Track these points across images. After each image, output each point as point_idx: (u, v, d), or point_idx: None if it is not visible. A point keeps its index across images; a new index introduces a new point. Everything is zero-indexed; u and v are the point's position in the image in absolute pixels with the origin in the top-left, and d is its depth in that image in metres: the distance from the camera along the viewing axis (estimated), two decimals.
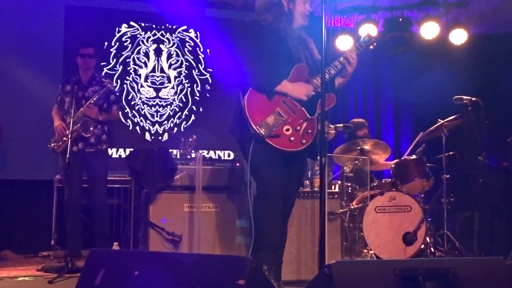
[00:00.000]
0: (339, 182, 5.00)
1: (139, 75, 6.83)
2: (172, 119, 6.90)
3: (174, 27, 6.99)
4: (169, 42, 6.97)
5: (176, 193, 4.31)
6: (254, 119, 3.27)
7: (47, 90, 5.68)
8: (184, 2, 6.69)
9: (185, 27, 7.02)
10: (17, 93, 6.21)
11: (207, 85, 7.05)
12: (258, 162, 3.35)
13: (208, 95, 7.03)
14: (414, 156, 5.08)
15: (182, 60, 6.99)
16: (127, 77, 6.78)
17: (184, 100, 6.96)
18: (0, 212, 5.92)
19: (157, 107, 6.86)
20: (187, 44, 7.03)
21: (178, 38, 7.01)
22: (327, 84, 3.22)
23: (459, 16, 6.78)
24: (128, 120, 6.75)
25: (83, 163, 4.79)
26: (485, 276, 2.36)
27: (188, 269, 2.32)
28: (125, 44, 6.81)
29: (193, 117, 6.96)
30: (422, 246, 4.64)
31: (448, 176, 5.12)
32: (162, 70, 6.91)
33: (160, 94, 6.88)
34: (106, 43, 6.71)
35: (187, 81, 6.99)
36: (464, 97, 5.02)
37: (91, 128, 4.70)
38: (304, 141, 3.36)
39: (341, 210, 4.52)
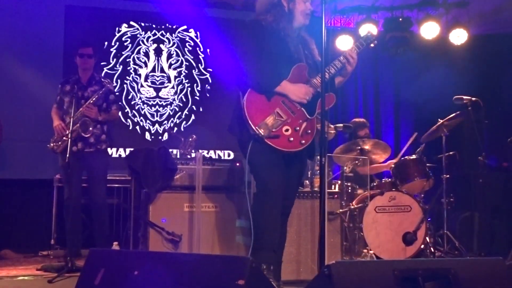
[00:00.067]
0: (339, 182, 5.00)
1: (139, 75, 6.83)
2: (172, 119, 6.90)
3: (174, 27, 6.99)
4: (169, 42, 6.97)
5: (176, 193, 4.31)
6: (253, 119, 3.27)
7: (47, 90, 5.67)
8: (184, 2, 6.69)
9: (185, 27, 7.02)
10: (17, 93, 6.21)
11: (207, 85, 7.05)
12: (257, 162, 3.36)
13: (208, 95, 7.04)
14: (414, 156, 5.08)
15: (182, 60, 6.99)
16: (127, 77, 6.78)
17: (184, 100, 6.96)
18: (0, 212, 5.92)
19: (157, 107, 6.86)
20: (187, 44, 7.03)
21: (178, 38, 7.01)
22: (327, 84, 3.22)
23: (459, 16, 6.78)
24: (128, 120, 6.75)
25: (83, 163, 4.80)
26: (485, 276, 2.35)
27: (188, 269, 2.32)
28: (125, 44, 6.81)
29: (193, 117, 6.96)
30: (422, 246, 4.63)
31: (448, 176, 5.12)
32: (162, 70, 6.91)
33: (160, 94, 6.88)
34: (106, 43, 6.71)
35: (187, 81, 6.99)
36: (464, 97, 5.02)
37: (91, 128, 4.70)
38: (303, 141, 3.36)
39: (341, 210, 4.52)
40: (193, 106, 6.98)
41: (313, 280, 2.46)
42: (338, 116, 7.03)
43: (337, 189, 4.89)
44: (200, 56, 7.06)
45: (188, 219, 4.27)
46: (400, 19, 6.77)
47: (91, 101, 4.72)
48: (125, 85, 6.76)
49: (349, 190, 5.06)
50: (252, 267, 2.18)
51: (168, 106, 6.90)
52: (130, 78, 6.79)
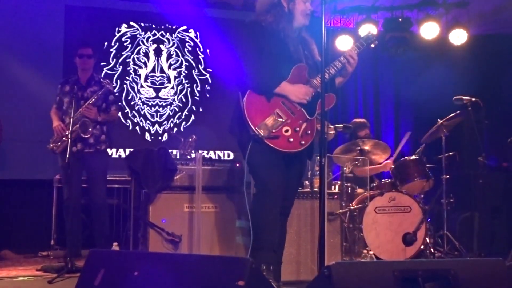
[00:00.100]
0: (339, 182, 5.00)
1: (139, 75, 6.83)
2: (172, 119, 6.90)
3: (174, 27, 6.99)
4: (169, 42, 6.97)
5: (176, 193, 4.31)
6: (253, 120, 3.27)
7: (47, 90, 5.67)
8: (184, 2, 6.69)
9: (185, 27, 7.02)
10: (17, 93, 6.21)
11: (207, 85, 7.05)
12: (256, 162, 3.35)
13: (208, 95, 7.03)
14: (414, 157, 5.07)
15: (182, 60, 6.99)
16: (127, 77, 6.78)
17: (184, 100, 6.96)
18: (0, 212, 5.92)
19: (157, 107, 6.86)
20: (187, 44, 7.03)
21: (178, 38, 7.01)
22: (327, 84, 3.22)
23: (459, 16, 6.78)
24: (128, 120, 6.75)
25: (83, 163, 4.80)
26: (484, 277, 2.36)
27: (187, 269, 2.32)
28: (125, 44, 6.81)
29: (193, 117, 6.96)
30: (422, 246, 4.63)
31: (448, 176, 5.12)
32: (162, 70, 6.91)
33: (160, 94, 6.87)
34: (106, 43, 6.71)
35: (187, 81, 6.99)
36: (464, 97, 5.02)
37: (90, 129, 4.69)
38: (303, 142, 3.36)
39: (340, 211, 4.52)
40: (193, 107, 6.97)
41: (313, 281, 2.47)
42: (338, 116, 7.03)
43: (337, 190, 4.89)
44: (200, 57, 7.06)
45: (188, 219, 4.27)
46: (400, 19, 6.78)
47: (91, 102, 4.72)
48: (125, 86, 6.76)
49: (349, 191, 5.06)
50: (252, 268, 2.18)
51: (168, 107, 6.89)
52: (130, 79, 6.79)
